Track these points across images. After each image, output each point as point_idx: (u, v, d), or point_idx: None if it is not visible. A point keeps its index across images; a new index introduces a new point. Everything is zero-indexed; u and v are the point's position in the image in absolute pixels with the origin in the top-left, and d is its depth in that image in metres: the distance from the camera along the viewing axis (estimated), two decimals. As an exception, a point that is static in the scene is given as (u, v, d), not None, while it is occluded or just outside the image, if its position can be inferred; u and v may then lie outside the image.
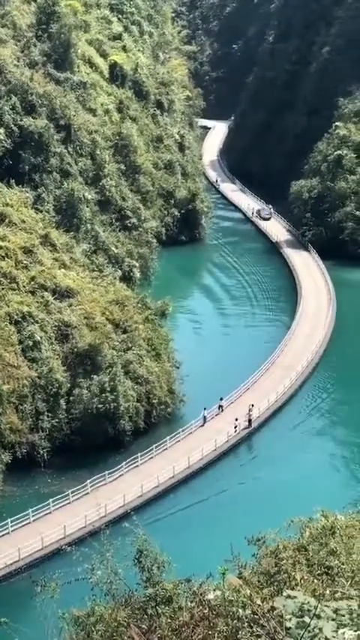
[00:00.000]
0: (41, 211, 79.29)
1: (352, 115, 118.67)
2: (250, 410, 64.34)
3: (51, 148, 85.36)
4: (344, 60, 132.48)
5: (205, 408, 64.65)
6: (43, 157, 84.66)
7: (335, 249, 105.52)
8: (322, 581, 9.64)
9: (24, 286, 65.37)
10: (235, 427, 63.08)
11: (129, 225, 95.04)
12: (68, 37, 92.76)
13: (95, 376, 61.06)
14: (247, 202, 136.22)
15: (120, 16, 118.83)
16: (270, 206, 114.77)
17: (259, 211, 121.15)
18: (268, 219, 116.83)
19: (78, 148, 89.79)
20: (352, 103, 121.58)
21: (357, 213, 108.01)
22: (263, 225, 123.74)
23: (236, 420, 63.35)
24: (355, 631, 6.37)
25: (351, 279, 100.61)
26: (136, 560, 11.49)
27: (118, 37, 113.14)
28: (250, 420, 64.13)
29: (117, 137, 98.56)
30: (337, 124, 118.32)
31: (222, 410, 65.85)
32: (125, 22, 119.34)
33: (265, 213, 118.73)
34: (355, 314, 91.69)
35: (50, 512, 51.34)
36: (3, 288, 63.77)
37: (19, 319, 61.88)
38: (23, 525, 50.07)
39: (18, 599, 38.15)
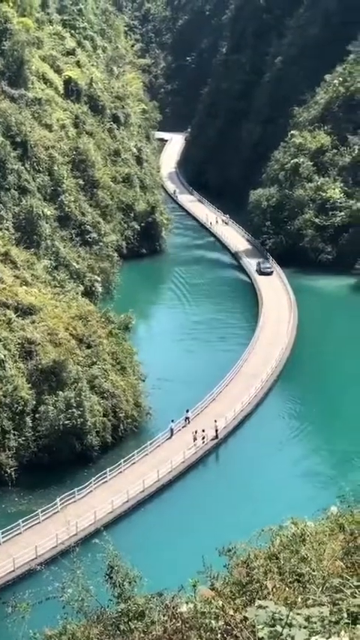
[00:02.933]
0: (0, 229, 78.89)
1: (307, 124, 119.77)
2: (215, 423, 64.37)
3: (8, 165, 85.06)
4: (297, 69, 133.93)
5: (172, 421, 64.60)
6: (0, 174, 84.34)
7: (296, 257, 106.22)
8: (294, 589, 9.65)
9: (-15, 305, 64.92)
10: (203, 438, 63.04)
11: (89, 239, 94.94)
12: (21, 53, 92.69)
13: (61, 392, 60.77)
14: (205, 213, 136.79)
15: (73, 31, 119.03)
16: (270, 259, 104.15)
17: (259, 264, 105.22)
18: (269, 273, 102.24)
19: (35, 164, 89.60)
20: (306, 111, 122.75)
21: (316, 220, 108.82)
22: (222, 234, 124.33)
23: (203, 431, 63.32)
24: (327, 638, 6.38)
25: (312, 285, 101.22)
26: (107, 577, 11.43)
27: (71, 53, 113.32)
28: (216, 431, 64.16)
29: (74, 152, 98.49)
30: (292, 132, 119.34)
31: (189, 422, 65.81)
32: (78, 37, 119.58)
33: (266, 267, 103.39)
34: (317, 320, 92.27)
35: (20, 533, 50.85)
36: (-36, 308, 63.31)
37: (-18, 338, 61.42)
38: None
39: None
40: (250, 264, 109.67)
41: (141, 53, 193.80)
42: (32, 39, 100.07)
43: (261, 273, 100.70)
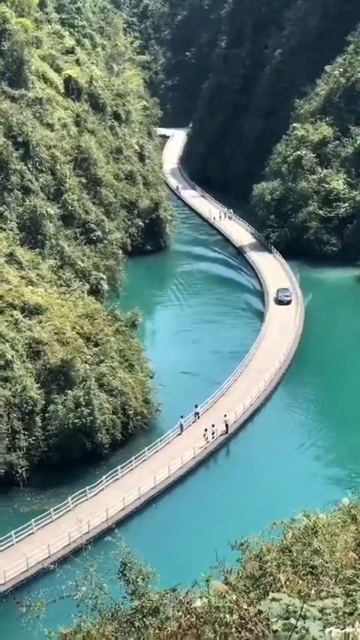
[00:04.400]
0: (4, 230, 78.97)
1: (309, 116, 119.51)
2: (225, 417, 64.37)
3: (10, 166, 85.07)
4: (297, 61, 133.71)
5: (181, 416, 64.62)
6: (3, 175, 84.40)
7: (300, 249, 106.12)
8: (307, 581, 9.64)
9: (-8, 306, 65.03)
10: (213, 433, 63.06)
11: (94, 238, 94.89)
12: (21, 53, 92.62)
13: (69, 391, 60.84)
14: (209, 208, 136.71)
15: (71, 30, 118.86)
16: (289, 288, 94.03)
17: (277, 293, 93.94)
18: (288, 302, 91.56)
19: (38, 164, 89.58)
20: (307, 103, 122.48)
21: (320, 212, 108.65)
22: (226, 229, 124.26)
23: (213, 426, 63.34)
24: (342, 629, 6.38)
25: (318, 278, 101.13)
26: (120, 574, 11.44)
27: (70, 51, 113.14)
28: (227, 426, 64.14)
29: (76, 151, 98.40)
30: (294, 125, 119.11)
31: (198, 417, 65.84)
32: (77, 35, 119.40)
33: (285, 296, 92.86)
34: (324, 313, 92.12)
35: (33, 533, 50.96)
36: (-29, 309, 63.42)
37: (-11, 339, 61.52)
38: (7, 547, 49.64)
39: (3, 622, 37.92)
40: (253, 256, 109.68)
41: (140, 50, 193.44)
42: (31, 39, 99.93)
43: (279, 302, 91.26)
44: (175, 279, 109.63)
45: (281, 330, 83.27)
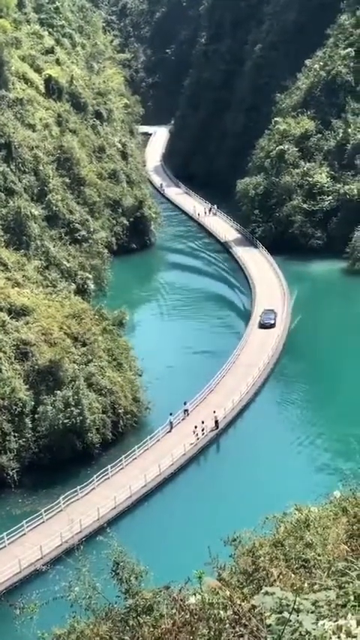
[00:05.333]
0: (-11, 232, 78.69)
1: (290, 110, 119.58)
2: (214, 413, 64.43)
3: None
4: (277, 55, 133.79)
5: (170, 414, 64.64)
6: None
7: (286, 244, 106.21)
8: (300, 575, 9.67)
9: (-22, 308, 64.86)
10: (203, 430, 63.10)
11: (79, 237, 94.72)
12: (0, 54, 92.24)
13: (58, 392, 60.77)
14: (193, 204, 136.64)
15: (50, 29, 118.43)
16: (275, 310, 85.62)
17: (261, 316, 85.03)
18: (271, 326, 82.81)
19: (20, 164, 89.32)
20: (288, 97, 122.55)
21: (304, 206, 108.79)
22: (210, 225, 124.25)
23: (203, 422, 63.38)
24: (335, 621, 6.39)
25: (303, 271, 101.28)
26: (113, 573, 11.42)
27: (50, 51, 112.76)
28: (216, 422, 64.19)
29: (58, 151, 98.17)
30: (276, 119, 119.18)
31: (187, 414, 65.86)
32: (56, 35, 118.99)
33: (269, 319, 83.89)
34: (310, 306, 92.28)
35: (25, 534, 50.88)
36: None
37: (-24, 342, 61.37)
38: (-1, 549, 49.63)
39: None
40: (238, 251, 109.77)
41: (120, 48, 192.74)
42: (10, 39, 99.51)
43: (261, 326, 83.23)
44: (162, 276, 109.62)
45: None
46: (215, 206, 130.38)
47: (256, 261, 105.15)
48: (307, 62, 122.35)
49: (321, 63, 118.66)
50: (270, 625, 6.38)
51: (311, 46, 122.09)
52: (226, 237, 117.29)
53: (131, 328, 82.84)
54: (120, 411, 64.01)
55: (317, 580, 9.02)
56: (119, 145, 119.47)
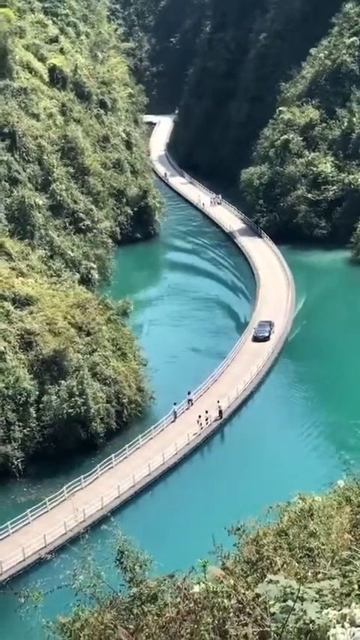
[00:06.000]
0: (-7, 221, 78.68)
1: (295, 99, 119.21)
2: (218, 403, 64.47)
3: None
4: (282, 44, 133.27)
5: (174, 404, 64.69)
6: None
7: (290, 233, 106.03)
8: (304, 564, 9.68)
9: (-18, 298, 64.90)
10: (207, 419, 63.16)
11: (83, 227, 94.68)
12: (4, 43, 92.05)
13: (63, 381, 60.83)
14: (198, 194, 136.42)
15: (55, 18, 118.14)
16: (271, 322, 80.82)
17: (256, 330, 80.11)
18: (266, 339, 78.17)
19: (24, 154, 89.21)
20: (293, 86, 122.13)
21: (308, 195, 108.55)
22: (214, 215, 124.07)
23: (206, 412, 63.43)
24: (339, 610, 6.40)
25: (307, 261, 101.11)
26: (117, 562, 11.43)
27: (54, 40, 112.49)
28: (220, 412, 64.23)
29: (63, 140, 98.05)
30: (280, 108, 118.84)
31: (191, 404, 65.91)
32: (60, 24, 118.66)
33: (262, 331, 79.58)
34: (315, 295, 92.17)
35: (29, 523, 51.03)
36: None
37: (-19, 331, 61.44)
38: (3, 538, 49.72)
39: (1, 613, 37.91)
40: (242, 241, 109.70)
41: (124, 37, 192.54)
42: (14, 28, 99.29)
43: (255, 339, 78.59)
44: (166, 265, 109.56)
45: (273, 315, 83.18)
46: (219, 196, 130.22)
47: (261, 251, 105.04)
48: (312, 51, 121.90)
49: (326, 52, 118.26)
50: (274, 613, 6.39)
51: (316, 34, 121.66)
52: (230, 227, 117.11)
53: (135, 317, 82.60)
54: (124, 400, 64.08)
55: (321, 569, 9.03)
56: (123, 135, 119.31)
